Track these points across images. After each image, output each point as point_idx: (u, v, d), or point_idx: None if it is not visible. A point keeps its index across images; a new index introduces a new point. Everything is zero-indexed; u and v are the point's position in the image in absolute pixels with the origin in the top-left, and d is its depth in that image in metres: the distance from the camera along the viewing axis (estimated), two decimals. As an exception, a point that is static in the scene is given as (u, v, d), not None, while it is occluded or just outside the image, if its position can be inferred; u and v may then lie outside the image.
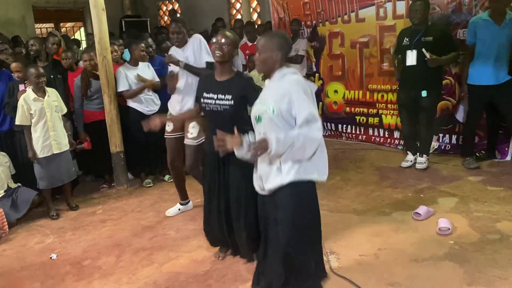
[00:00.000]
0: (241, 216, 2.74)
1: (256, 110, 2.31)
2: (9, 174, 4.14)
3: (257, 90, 2.55)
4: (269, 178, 2.26)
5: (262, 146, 2.07)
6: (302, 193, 2.25)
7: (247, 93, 2.65)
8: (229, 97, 2.64)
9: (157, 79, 4.61)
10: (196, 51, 3.54)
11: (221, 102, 2.66)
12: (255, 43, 5.78)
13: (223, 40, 2.64)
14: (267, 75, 2.33)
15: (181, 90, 3.57)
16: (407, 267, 2.78)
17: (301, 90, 2.14)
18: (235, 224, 2.80)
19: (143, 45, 4.55)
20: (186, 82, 3.55)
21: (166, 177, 4.92)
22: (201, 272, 2.92)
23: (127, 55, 5.05)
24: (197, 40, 3.58)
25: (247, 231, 2.74)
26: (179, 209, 3.97)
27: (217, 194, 2.84)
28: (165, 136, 3.74)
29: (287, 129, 2.14)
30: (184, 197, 3.99)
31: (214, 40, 2.70)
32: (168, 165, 3.81)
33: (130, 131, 4.65)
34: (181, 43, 3.58)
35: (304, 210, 2.27)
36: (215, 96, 2.68)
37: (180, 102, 3.60)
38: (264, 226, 2.47)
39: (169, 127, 3.68)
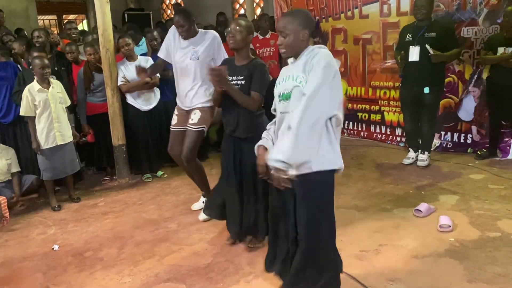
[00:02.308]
0: (253, 197, 2.95)
1: (281, 88, 2.12)
2: (8, 172, 4.10)
3: (266, 73, 2.84)
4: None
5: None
6: (327, 183, 2.11)
7: (254, 73, 2.82)
8: (241, 77, 2.86)
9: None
10: (216, 52, 3.46)
11: (237, 82, 2.87)
12: (267, 36, 5.79)
13: (236, 28, 2.81)
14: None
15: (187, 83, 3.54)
16: (407, 263, 2.79)
17: (327, 65, 1.93)
18: (246, 206, 2.98)
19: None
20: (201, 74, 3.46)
21: (159, 173, 4.89)
22: (203, 265, 2.93)
23: (137, 50, 4.99)
24: (216, 41, 3.46)
25: (258, 212, 2.95)
26: (203, 202, 3.82)
27: (233, 176, 3.00)
28: (170, 128, 3.71)
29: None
30: (205, 191, 3.77)
31: (228, 29, 2.88)
32: (168, 151, 3.71)
33: (128, 127, 4.65)
34: (188, 35, 3.46)
35: (326, 202, 2.13)
36: (233, 78, 2.88)
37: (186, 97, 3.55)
38: (277, 215, 2.30)
39: (173, 120, 3.67)
